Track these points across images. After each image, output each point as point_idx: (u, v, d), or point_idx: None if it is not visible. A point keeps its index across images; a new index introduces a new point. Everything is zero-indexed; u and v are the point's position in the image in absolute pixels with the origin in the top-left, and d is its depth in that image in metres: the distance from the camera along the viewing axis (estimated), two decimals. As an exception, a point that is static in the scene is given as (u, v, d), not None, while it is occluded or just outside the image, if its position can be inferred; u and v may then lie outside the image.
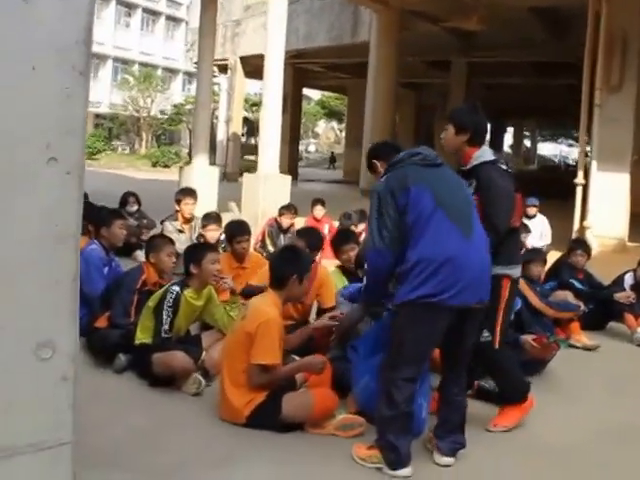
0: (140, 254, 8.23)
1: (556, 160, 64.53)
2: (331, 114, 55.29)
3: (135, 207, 10.07)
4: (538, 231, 10.24)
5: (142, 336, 4.78)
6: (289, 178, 13.38)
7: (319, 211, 10.39)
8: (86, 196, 8.58)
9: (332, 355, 4.66)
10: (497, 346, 4.07)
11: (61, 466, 2.23)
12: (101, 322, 5.16)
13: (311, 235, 6.00)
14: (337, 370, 4.42)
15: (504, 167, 4.13)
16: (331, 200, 11.39)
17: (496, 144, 40.06)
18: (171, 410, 4.32)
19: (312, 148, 59.45)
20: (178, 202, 8.60)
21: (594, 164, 11.72)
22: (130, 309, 5.12)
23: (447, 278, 3.36)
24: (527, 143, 58.96)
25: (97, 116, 47.25)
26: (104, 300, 5.27)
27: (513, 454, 4.00)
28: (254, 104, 43.90)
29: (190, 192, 8.78)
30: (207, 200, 13.70)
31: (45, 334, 2.12)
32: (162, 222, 8.90)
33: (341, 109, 50.73)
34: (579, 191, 11.93)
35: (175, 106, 44.60)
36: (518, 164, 48.22)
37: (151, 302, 4.80)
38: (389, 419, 3.55)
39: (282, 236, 9.61)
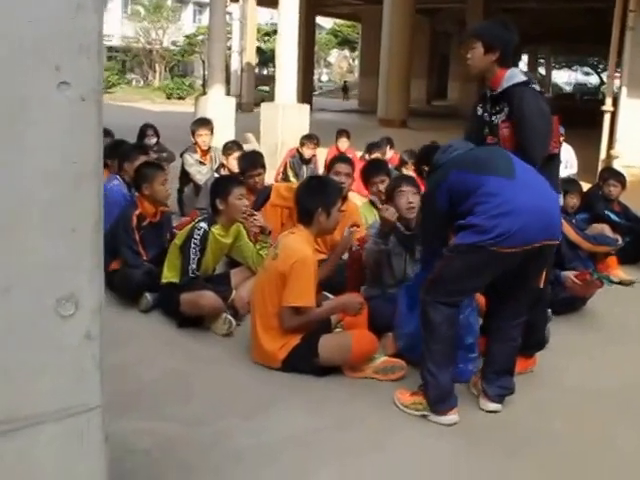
0: (161, 188, 7.90)
1: (571, 89, 62.64)
2: (344, 43, 53.64)
3: (154, 140, 9.62)
4: (564, 160, 9.76)
5: (169, 275, 4.49)
6: (307, 107, 12.87)
7: (344, 143, 9.92)
8: (108, 133, 8.30)
9: (367, 293, 4.36)
10: (541, 285, 3.70)
11: (91, 433, 1.93)
12: (115, 265, 4.83)
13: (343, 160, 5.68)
14: (374, 309, 4.12)
15: (538, 88, 3.70)
16: (348, 129, 10.96)
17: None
18: (202, 352, 4.05)
19: (325, 78, 58.16)
20: (193, 133, 8.15)
21: (624, 90, 11.04)
22: (137, 248, 4.80)
23: (500, 223, 3.04)
24: (541, 71, 57.19)
25: (110, 49, 46.23)
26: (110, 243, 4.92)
27: (562, 398, 3.71)
28: (266, 34, 42.72)
29: (204, 122, 8.21)
30: (225, 131, 13.25)
31: (65, 288, 1.78)
32: (181, 155, 8.50)
33: (354, 37, 49.23)
34: (607, 119, 11.32)
35: (187, 37, 43.45)
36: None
37: (178, 240, 4.49)
38: (429, 344, 3.28)
39: (304, 167, 9.22)
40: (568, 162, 9.79)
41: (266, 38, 42.78)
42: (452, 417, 3.27)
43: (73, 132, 1.69)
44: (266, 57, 41.67)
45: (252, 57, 25.90)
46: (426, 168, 3.85)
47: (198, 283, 4.34)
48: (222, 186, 4.62)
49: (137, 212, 4.86)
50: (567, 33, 34.33)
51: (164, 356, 3.97)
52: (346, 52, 59.90)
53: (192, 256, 4.31)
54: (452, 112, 26.08)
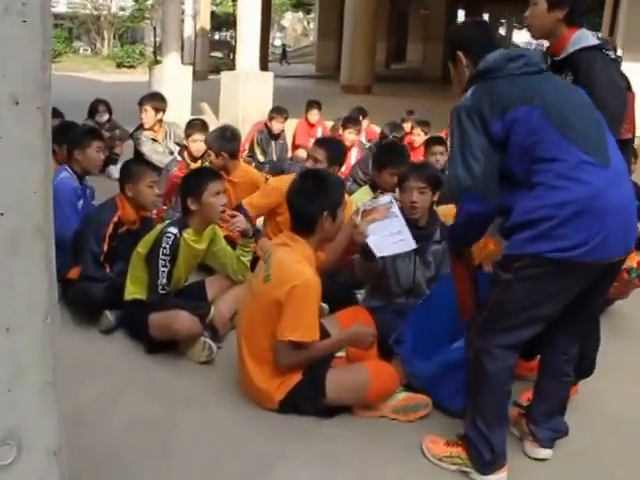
0: (114, 170, 7.03)
1: (531, 49, 61.53)
2: (298, 5, 52.03)
3: (106, 116, 8.70)
4: None
5: (134, 290, 3.74)
6: (271, 76, 12.03)
7: (314, 115, 9.16)
8: (57, 113, 7.35)
9: (370, 304, 3.69)
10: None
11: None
12: (74, 273, 4.02)
13: (333, 145, 4.65)
14: (380, 325, 3.45)
15: (612, 55, 2.94)
16: (309, 97, 10.18)
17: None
18: (179, 388, 3.32)
19: (278, 42, 56.63)
20: (140, 109, 7.21)
21: (619, 53, 10.45)
22: (102, 258, 3.99)
23: (582, 226, 2.31)
24: (502, 32, 56.41)
25: (55, 16, 44.12)
26: (74, 245, 4.11)
27: (613, 434, 3.11)
28: (220, -4, 41.20)
29: (146, 98, 7.26)
30: (181, 102, 12.40)
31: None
32: (131, 135, 7.60)
33: (309, -1, 47.98)
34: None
35: (136, 1, 41.66)
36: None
37: (142, 248, 3.72)
38: (479, 398, 2.60)
39: (273, 143, 8.45)
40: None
41: (219, 1, 41.20)
42: (501, 475, 2.62)
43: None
44: (220, 21, 40.15)
45: (206, 22, 24.61)
46: (461, 55, 2.98)
47: (169, 301, 3.60)
48: (194, 182, 3.81)
49: (115, 218, 4.04)
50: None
51: (131, 396, 3.23)
52: (300, 15, 58.35)
53: (161, 268, 3.56)
54: (414, 75, 25.40)
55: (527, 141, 2.40)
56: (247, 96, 11.17)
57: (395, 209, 3.42)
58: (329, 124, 9.79)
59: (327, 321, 3.35)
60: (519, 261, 2.41)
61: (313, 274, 2.95)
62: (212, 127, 9.75)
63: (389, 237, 3.37)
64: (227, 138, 5.22)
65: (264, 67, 17.86)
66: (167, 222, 3.82)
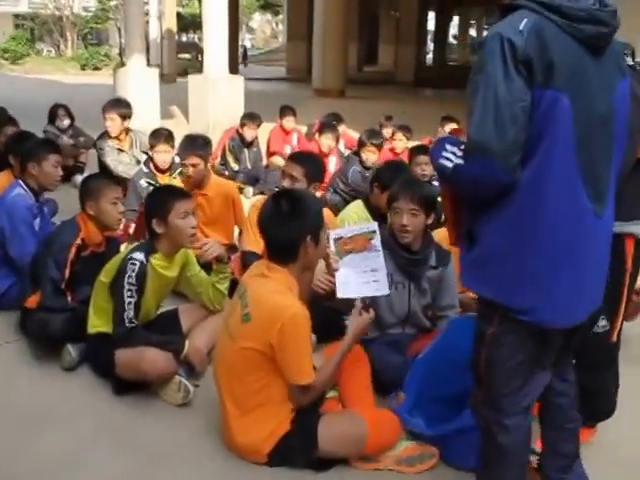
0: (80, 179, 6.58)
1: None
2: (266, 6, 51.61)
3: (67, 121, 8.27)
4: None
5: (98, 323, 3.36)
6: (241, 79, 11.64)
7: (289, 122, 8.80)
8: (10, 120, 6.86)
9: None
10: (614, 339, 2.78)
11: None
12: (32, 302, 3.63)
13: (311, 161, 4.13)
14: (375, 359, 3.15)
15: (630, 61, 2.46)
16: (281, 101, 9.85)
17: (440, 35, 37.93)
18: (152, 439, 2.94)
19: (248, 44, 56.12)
20: (104, 117, 6.66)
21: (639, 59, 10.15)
22: (63, 286, 3.59)
23: (561, 286, 1.98)
24: (472, 32, 56.30)
25: (16, 16, 43.14)
26: (32, 270, 3.72)
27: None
28: (186, -3, 40.68)
29: (114, 104, 6.74)
30: (148, 107, 11.96)
31: None
32: (94, 145, 7.14)
33: (277, 0, 47.48)
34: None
35: (99, 1, 40.91)
36: (464, 56, 46.31)
37: (104, 276, 3.33)
38: (495, 473, 2.25)
39: (246, 150, 8.06)
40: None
41: (185, 2, 40.66)
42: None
43: None
44: (186, 23, 39.62)
45: (172, 23, 24.15)
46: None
47: (138, 336, 3.22)
48: (159, 201, 3.41)
49: (78, 240, 3.63)
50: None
51: (99, 449, 2.86)
52: (269, 16, 57.91)
53: (127, 299, 3.17)
54: (387, 78, 25.12)
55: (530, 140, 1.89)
56: (217, 101, 10.80)
57: (377, 241, 2.97)
58: (304, 129, 9.46)
59: (315, 358, 3.00)
60: (489, 317, 2.09)
61: (298, 304, 2.58)
62: (184, 131, 9.38)
63: (362, 275, 2.93)
64: (199, 145, 4.85)
65: (234, 70, 17.46)
66: (131, 247, 3.42)
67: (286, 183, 3.89)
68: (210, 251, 3.42)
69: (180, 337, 3.45)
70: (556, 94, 1.86)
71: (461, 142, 2.01)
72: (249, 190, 7.67)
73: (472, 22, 52.72)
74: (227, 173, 7.80)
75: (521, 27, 1.86)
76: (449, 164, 1.98)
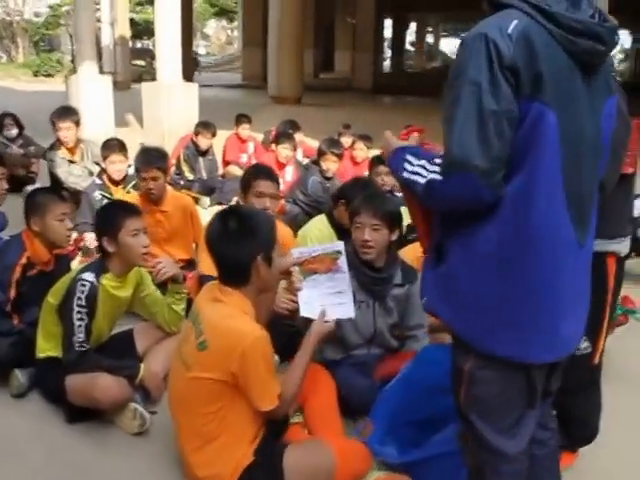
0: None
1: None
2: (221, 13, 51.21)
3: (15, 131, 7.98)
4: None
5: (47, 347, 3.17)
6: (195, 87, 11.43)
7: (245, 130, 8.65)
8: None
9: (327, 357, 3.20)
10: (597, 361, 2.67)
11: None
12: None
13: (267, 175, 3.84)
14: (341, 382, 3.03)
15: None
16: (237, 109, 9.70)
17: (397, 42, 38.03)
18: (107, 467, 2.77)
19: (203, 51, 55.66)
20: (53, 126, 6.36)
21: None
22: (8, 308, 3.37)
23: (541, 324, 1.81)
24: (429, 39, 56.53)
25: (-36, 22, 42.16)
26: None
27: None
28: (139, 3, 40.06)
29: (64, 113, 6.41)
30: (102, 115, 11.69)
31: None
32: (44, 156, 6.86)
33: (231, 7, 47.11)
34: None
35: (50, 7, 40.16)
36: (420, 62, 46.58)
37: (52, 298, 3.14)
38: None
39: (201, 160, 7.87)
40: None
41: (139, 8, 40.12)
42: None
43: None
44: (140, 29, 39.09)
45: (125, 29, 23.72)
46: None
47: (89, 361, 3.03)
48: (109, 218, 3.22)
49: (23, 259, 3.41)
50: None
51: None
52: (224, 23, 57.52)
53: (77, 323, 2.99)
54: (344, 85, 25.07)
55: (524, 147, 1.71)
56: (172, 108, 10.57)
57: (343, 262, 2.80)
58: (260, 137, 9.32)
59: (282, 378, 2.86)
60: (462, 354, 1.91)
61: (257, 328, 2.41)
62: (139, 139, 9.13)
63: (326, 297, 2.75)
64: (158, 157, 4.67)
65: (188, 77, 17.20)
66: (81, 266, 3.24)
67: (268, 204, 3.63)
68: (164, 271, 3.24)
69: (135, 361, 3.27)
70: (543, 108, 1.68)
71: (422, 152, 1.86)
72: (205, 200, 7.47)
73: (429, 29, 53.11)
74: (182, 183, 7.60)
75: (510, 30, 1.67)
76: (420, 180, 1.78)
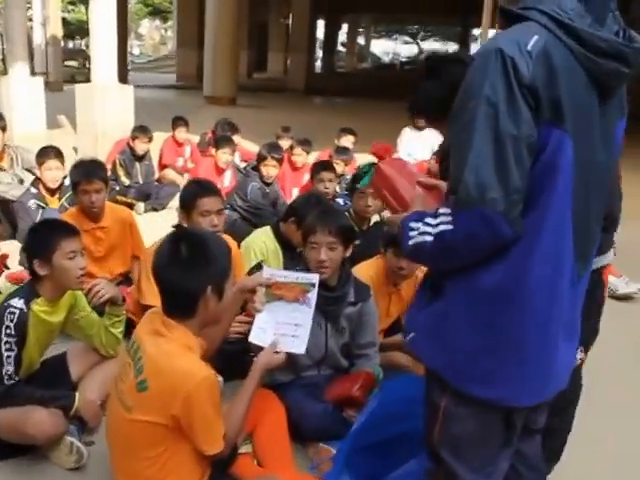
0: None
1: (389, 58, 60.57)
2: (155, 12, 50.16)
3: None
4: (428, 145, 8.51)
5: (-28, 378, 2.87)
6: (131, 89, 10.98)
7: (182, 133, 8.36)
8: None
9: (276, 380, 2.99)
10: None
11: None
12: None
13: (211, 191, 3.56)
14: (292, 407, 2.85)
15: None
16: (172, 109, 9.39)
17: (329, 42, 37.96)
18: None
19: (136, 51, 54.40)
20: None
21: None
22: None
23: (531, 368, 1.67)
24: (360, 41, 56.56)
25: None
26: None
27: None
28: (71, 2, 38.85)
29: None
30: (33, 117, 11.21)
31: None
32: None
33: (166, 7, 46.19)
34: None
35: (-22, 6, 38.58)
36: (352, 63, 46.61)
37: (-22, 326, 2.85)
38: None
39: (137, 165, 7.55)
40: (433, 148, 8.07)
41: (71, 7, 38.91)
42: None
43: None
44: (72, 29, 37.91)
45: (58, 29, 22.82)
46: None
47: (20, 393, 2.75)
48: (42, 238, 2.91)
49: None
50: (389, 2, 33.86)
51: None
52: (157, 22, 56.37)
53: (5, 353, 2.70)
54: (277, 86, 24.82)
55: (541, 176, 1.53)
56: (106, 111, 10.11)
57: (312, 296, 2.59)
58: (196, 139, 9.03)
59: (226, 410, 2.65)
60: (458, 399, 1.74)
61: (203, 367, 2.16)
62: (71, 142, 8.71)
63: (283, 326, 2.55)
64: (99, 168, 4.36)
65: (123, 78, 16.66)
66: (9, 293, 2.95)
67: (216, 220, 3.42)
68: (101, 293, 2.95)
69: (69, 389, 2.99)
70: (563, 136, 1.51)
71: (425, 214, 1.66)
72: (140, 206, 7.16)
73: (360, 30, 53.22)
74: (118, 188, 7.27)
75: (529, 46, 1.48)
76: (428, 238, 1.60)
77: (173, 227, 3.57)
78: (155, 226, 3.52)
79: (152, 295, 3.47)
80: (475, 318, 1.64)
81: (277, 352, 2.47)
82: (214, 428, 2.16)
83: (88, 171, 4.23)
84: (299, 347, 2.53)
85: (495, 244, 1.54)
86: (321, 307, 2.93)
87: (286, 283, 2.57)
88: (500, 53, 1.48)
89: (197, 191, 3.44)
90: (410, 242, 1.64)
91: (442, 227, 1.56)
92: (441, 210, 1.58)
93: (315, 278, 2.62)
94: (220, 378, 3.20)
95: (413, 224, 1.65)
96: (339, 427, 2.84)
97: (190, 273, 2.18)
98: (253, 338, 2.55)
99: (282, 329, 2.53)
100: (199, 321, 2.25)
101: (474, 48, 9.12)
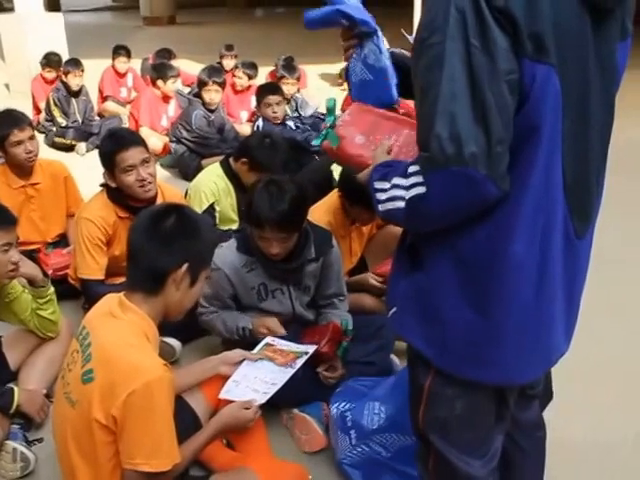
0: None
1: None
2: None
3: None
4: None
5: None
6: (61, 17, 10.00)
7: (123, 63, 7.61)
8: None
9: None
10: None
11: None
12: None
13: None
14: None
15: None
16: (107, 34, 8.59)
17: None
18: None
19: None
20: None
21: None
22: None
23: (526, 344, 1.37)
24: None
25: None
26: None
27: None
28: None
29: None
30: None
31: None
32: None
33: None
34: None
35: None
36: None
37: None
38: None
39: (74, 101, 6.83)
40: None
41: None
42: None
43: None
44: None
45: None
46: None
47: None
48: None
49: None
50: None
51: None
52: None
53: None
54: (216, 1, 23.45)
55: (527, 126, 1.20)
56: (36, 44, 9.21)
57: (301, 361, 2.33)
58: (137, 65, 8.26)
59: (191, 395, 2.23)
60: (445, 379, 1.47)
61: (158, 365, 1.72)
62: (2, 78, 7.88)
63: (259, 382, 2.23)
64: (22, 114, 3.74)
65: (55, 4, 15.36)
66: None
67: (145, 173, 2.94)
68: (21, 270, 2.46)
69: (8, 380, 2.55)
70: (549, 71, 1.16)
71: (393, 166, 1.33)
72: (81, 146, 6.42)
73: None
74: (55, 130, 6.60)
75: None
76: (400, 204, 1.27)
77: (101, 186, 3.08)
78: (99, 167, 3.01)
79: (86, 265, 3.04)
80: (462, 289, 1.34)
81: (247, 408, 2.07)
82: (160, 438, 1.70)
83: (16, 119, 3.62)
84: (262, 399, 2.17)
85: (479, 207, 1.24)
86: (281, 277, 2.63)
87: (283, 350, 2.39)
88: None
89: (113, 147, 2.93)
90: (380, 208, 1.35)
91: (414, 191, 1.24)
92: (411, 169, 1.25)
93: (310, 349, 2.41)
94: (178, 343, 2.86)
95: (378, 184, 1.35)
96: (314, 390, 2.54)
97: (168, 243, 1.79)
98: (224, 394, 2.19)
99: (256, 385, 2.22)
100: (162, 303, 1.83)
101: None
